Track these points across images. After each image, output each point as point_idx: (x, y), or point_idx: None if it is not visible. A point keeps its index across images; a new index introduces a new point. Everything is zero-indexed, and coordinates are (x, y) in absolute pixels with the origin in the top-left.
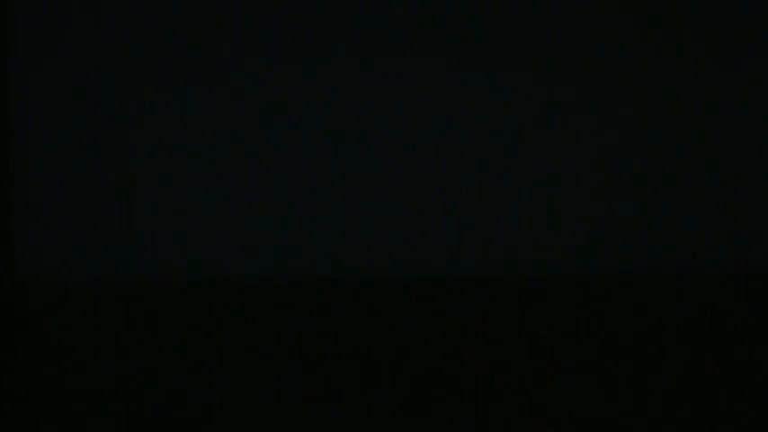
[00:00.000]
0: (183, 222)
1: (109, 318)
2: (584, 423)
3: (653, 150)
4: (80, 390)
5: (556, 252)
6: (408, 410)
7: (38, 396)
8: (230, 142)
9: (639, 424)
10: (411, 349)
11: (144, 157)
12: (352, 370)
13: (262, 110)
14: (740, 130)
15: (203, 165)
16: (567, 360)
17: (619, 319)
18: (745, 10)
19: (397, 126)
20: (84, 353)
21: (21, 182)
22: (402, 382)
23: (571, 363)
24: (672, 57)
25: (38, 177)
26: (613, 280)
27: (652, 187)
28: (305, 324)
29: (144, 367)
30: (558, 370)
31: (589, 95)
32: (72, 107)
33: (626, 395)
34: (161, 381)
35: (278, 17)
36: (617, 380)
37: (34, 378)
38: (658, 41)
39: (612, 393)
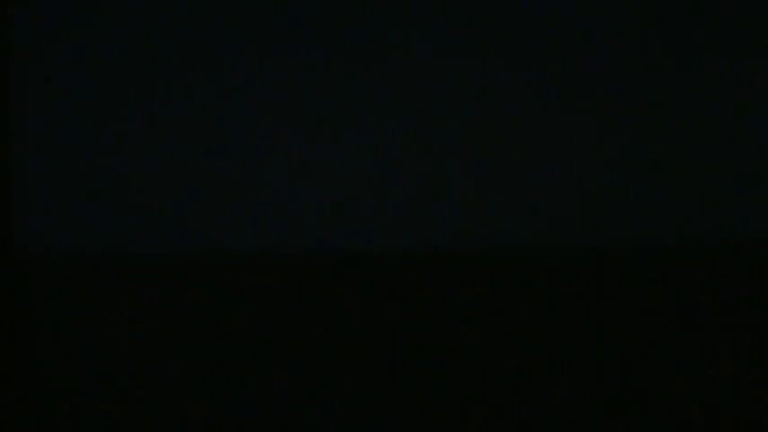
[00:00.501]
0: (185, 196)
1: (110, 292)
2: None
3: (651, 123)
4: (81, 366)
5: (555, 225)
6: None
7: (39, 374)
8: (228, 123)
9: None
10: (411, 325)
11: (144, 130)
12: (352, 350)
13: (256, 86)
14: (742, 104)
15: (202, 138)
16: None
17: (625, 292)
18: None
19: (393, 104)
20: (85, 328)
21: (19, 158)
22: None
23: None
24: (672, 41)
25: (36, 154)
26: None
27: (650, 159)
28: (307, 299)
29: (143, 343)
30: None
31: (588, 77)
32: (70, 85)
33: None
34: (159, 357)
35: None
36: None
37: (35, 356)
38: (655, 28)
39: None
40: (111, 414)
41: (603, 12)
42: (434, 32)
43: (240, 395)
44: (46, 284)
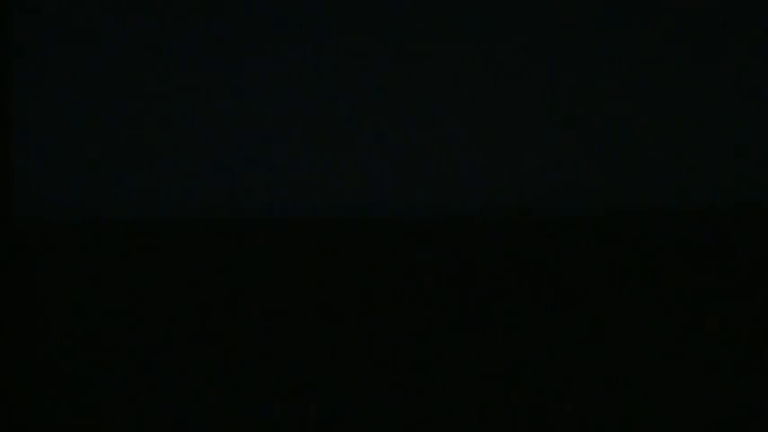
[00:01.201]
0: (186, 160)
1: (110, 258)
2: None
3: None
4: (80, 330)
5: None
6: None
7: (39, 339)
8: (231, 82)
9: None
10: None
11: (144, 92)
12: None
13: (262, 49)
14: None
15: (206, 103)
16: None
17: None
18: None
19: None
20: (85, 293)
21: (20, 121)
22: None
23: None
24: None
25: (37, 117)
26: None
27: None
28: (308, 264)
29: (143, 307)
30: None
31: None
32: (69, 50)
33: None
34: (160, 320)
35: None
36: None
37: (35, 321)
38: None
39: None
40: (109, 378)
41: None
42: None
43: (240, 363)
44: (46, 250)
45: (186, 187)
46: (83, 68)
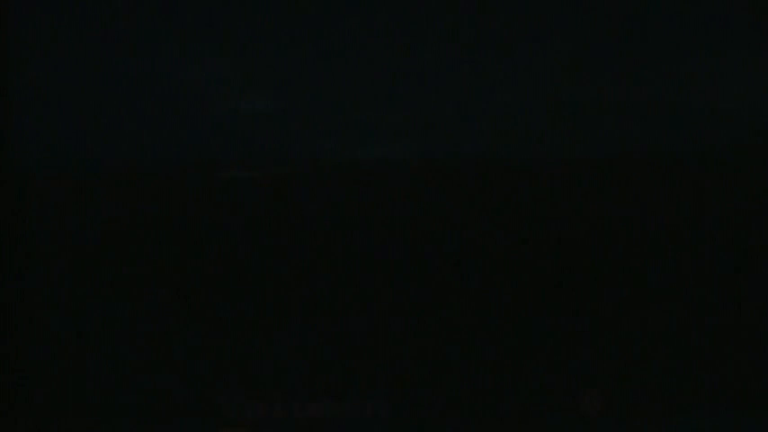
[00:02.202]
0: (187, 105)
1: (113, 207)
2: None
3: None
4: (81, 283)
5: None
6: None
7: (39, 293)
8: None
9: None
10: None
11: (142, 38)
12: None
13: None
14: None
15: (212, 44)
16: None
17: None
18: None
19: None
20: (87, 244)
21: (16, 69)
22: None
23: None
24: None
25: (33, 65)
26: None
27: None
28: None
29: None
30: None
31: None
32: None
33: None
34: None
35: None
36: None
37: (34, 275)
38: None
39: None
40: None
41: None
42: None
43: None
44: (41, 198)
45: (185, 133)
46: (79, 18)
